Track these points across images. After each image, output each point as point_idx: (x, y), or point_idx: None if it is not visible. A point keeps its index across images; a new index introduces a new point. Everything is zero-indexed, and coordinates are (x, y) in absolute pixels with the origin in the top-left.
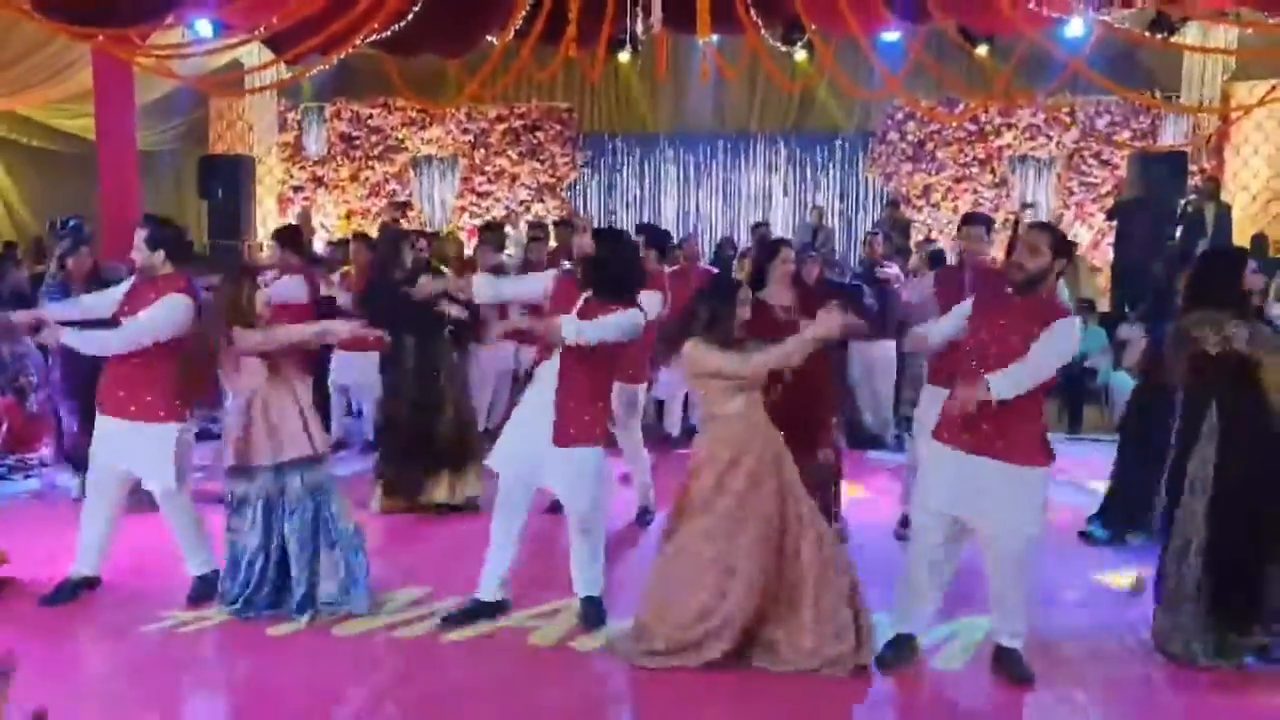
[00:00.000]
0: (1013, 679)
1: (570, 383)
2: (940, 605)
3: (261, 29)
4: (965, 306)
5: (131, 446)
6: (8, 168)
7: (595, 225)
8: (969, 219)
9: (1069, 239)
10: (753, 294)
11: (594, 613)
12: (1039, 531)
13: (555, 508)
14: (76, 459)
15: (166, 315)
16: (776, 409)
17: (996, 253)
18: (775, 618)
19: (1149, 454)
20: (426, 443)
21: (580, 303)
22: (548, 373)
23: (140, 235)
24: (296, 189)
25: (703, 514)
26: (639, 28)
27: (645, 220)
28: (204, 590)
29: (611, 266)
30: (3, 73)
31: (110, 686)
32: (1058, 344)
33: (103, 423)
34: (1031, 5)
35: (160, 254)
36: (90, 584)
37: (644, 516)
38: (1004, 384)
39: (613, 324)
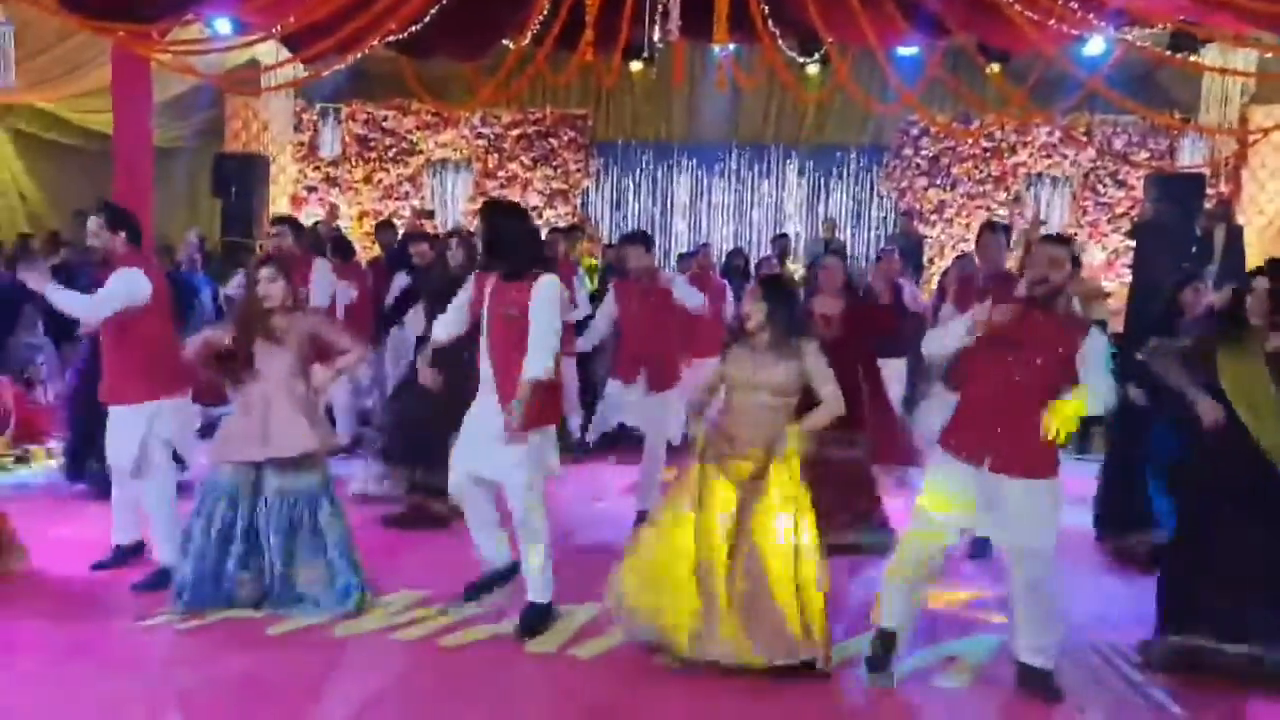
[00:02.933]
0: (1045, 697)
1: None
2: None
3: (279, 27)
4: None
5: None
6: (26, 161)
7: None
8: (991, 227)
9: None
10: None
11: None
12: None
13: None
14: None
15: (124, 286)
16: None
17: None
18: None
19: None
20: (444, 411)
21: (490, 289)
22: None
23: (97, 222)
24: (310, 189)
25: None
26: (656, 34)
27: (656, 228)
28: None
29: (501, 243)
30: (24, 66)
31: (106, 684)
32: (1102, 360)
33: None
34: (1052, 23)
35: (121, 236)
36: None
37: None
38: (1096, 403)
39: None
